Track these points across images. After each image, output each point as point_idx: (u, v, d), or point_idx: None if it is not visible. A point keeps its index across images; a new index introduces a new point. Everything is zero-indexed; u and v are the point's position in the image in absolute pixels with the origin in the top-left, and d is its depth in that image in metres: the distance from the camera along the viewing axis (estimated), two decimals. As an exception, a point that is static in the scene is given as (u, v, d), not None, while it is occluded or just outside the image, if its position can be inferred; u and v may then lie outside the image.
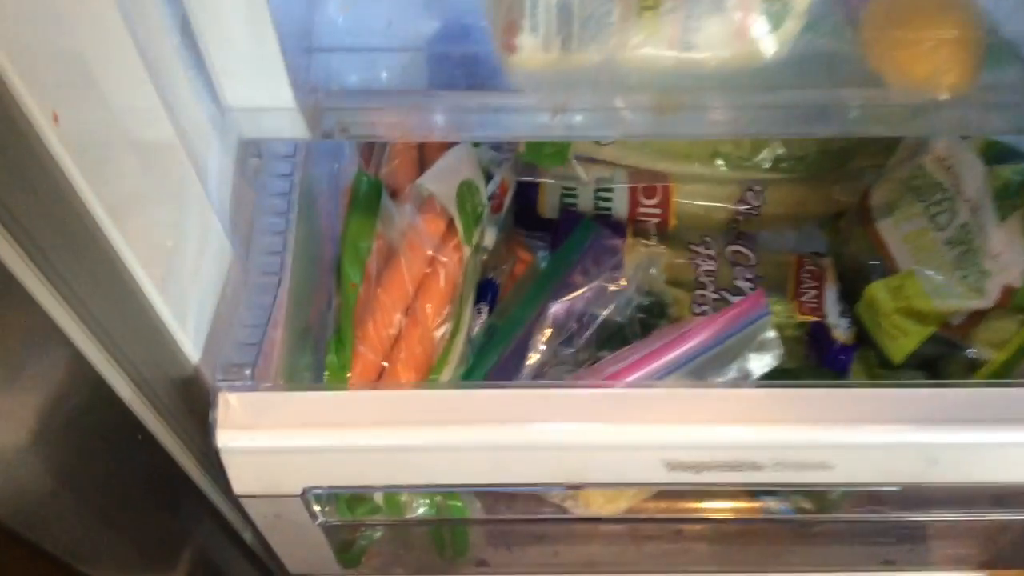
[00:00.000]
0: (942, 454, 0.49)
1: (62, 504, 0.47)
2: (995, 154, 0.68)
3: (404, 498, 0.58)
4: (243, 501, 0.52)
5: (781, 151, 0.72)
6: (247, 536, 0.73)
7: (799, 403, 0.49)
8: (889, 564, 0.70)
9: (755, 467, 0.49)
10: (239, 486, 0.50)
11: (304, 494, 0.51)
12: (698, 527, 0.68)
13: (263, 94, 0.50)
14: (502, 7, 0.53)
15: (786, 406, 0.49)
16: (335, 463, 0.50)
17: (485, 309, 0.70)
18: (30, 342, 0.42)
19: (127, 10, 0.42)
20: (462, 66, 0.58)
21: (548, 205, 0.78)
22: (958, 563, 0.71)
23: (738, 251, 0.75)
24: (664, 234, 0.76)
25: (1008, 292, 0.64)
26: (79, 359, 0.45)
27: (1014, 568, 0.74)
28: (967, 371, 0.68)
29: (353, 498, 0.59)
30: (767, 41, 0.53)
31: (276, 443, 0.48)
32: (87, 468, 0.48)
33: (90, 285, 0.43)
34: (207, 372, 0.50)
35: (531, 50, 0.53)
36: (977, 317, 0.66)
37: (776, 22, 0.53)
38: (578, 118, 0.55)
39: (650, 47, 0.52)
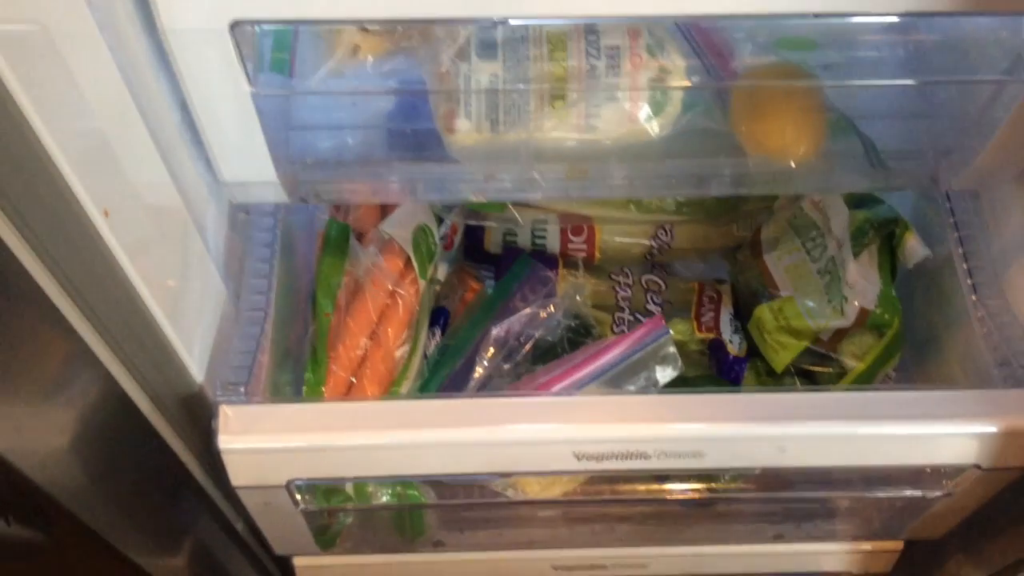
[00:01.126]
0: (788, 444, 0.63)
1: (96, 492, 0.59)
2: (856, 200, 0.82)
3: (370, 488, 0.72)
4: (239, 492, 0.66)
5: (682, 199, 0.86)
6: (240, 527, 0.86)
7: (676, 407, 0.63)
8: (779, 538, 0.84)
9: (644, 456, 0.63)
10: (236, 480, 0.64)
11: (288, 485, 0.65)
12: (617, 509, 0.82)
13: (251, 171, 0.63)
14: (443, 98, 0.67)
15: (666, 409, 0.63)
16: (313, 460, 0.63)
17: (438, 332, 0.84)
18: (71, 365, 0.55)
19: (143, 107, 0.55)
20: (414, 139, 0.72)
21: (493, 242, 0.91)
22: (838, 536, 0.85)
23: (651, 279, 0.89)
24: (590, 266, 0.90)
25: (864, 313, 0.78)
26: (109, 379, 0.58)
27: (888, 539, 0.87)
28: (836, 378, 0.82)
29: (329, 489, 0.72)
30: (652, 123, 0.66)
31: (265, 445, 0.62)
32: (114, 465, 0.61)
33: (118, 320, 0.56)
34: (209, 390, 0.64)
35: (466, 131, 0.66)
36: (841, 334, 0.80)
37: (658, 108, 0.67)
38: (506, 183, 0.69)
39: (559, 129, 0.66)
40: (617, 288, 0.88)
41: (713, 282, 0.90)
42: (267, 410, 0.62)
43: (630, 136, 0.67)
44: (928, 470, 0.68)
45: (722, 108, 0.68)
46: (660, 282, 0.88)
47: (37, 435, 0.53)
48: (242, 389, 0.63)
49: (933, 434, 0.63)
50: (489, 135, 0.66)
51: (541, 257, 0.89)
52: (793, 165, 0.68)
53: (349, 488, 0.71)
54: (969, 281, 0.71)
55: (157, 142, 0.57)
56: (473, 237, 0.91)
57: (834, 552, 0.86)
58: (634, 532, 0.84)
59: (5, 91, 0.43)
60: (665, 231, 0.89)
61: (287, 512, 0.69)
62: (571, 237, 0.90)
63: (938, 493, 0.71)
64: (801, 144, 0.68)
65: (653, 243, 0.90)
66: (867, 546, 0.85)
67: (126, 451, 0.63)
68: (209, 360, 0.65)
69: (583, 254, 0.90)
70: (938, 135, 0.68)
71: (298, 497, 0.67)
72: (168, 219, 0.62)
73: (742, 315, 0.87)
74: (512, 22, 0.58)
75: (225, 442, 0.61)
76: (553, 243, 0.90)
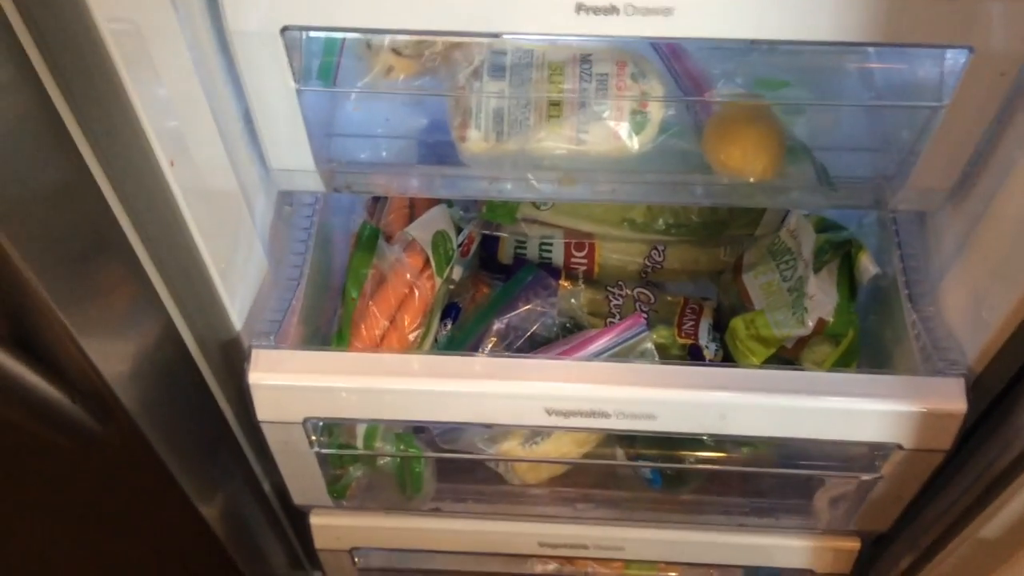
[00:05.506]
0: (728, 411, 0.73)
1: (149, 409, 0.71)
2: (823, 226, 0.93)
3: (376, 443, 0.83)
4: (263, 427, 0.77)
5: (671, 220, 0.97)
6: (266, 486, 0.98)
7: (634, 373, 0.74)
8: (742, 527, 0.93)
9: (604, 415, 0.74)
10: (261, 414, 0.76)
11: (304, 422, 0.76)
12: (595, 491, 0.92)
13: (294, 161, 0.76)
14: (458, 111, 0.80)
15: (625, 375, 0.74)
16: (326, 400, 0.75)
17: (449, 323, 0.96)
18: (140, 310, 0.68)
19: (214, 108, 0.69)
20: (436, 148, 0.85)
21: (506, 254, 1.04)
22: (797, 529, 0.94)
23: (642, 292, 1.00)
24: (590, 279, 1.02)
25: (821, 323, 0.88)
26: (169, 323, 0.71)
27: (842, 535, 0.95)
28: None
29: (341, 445, 0.84)
30: (633, 140, 0.78)
31: (286, 382, 0.74)
32: (166, 393, 0.73)
33: (181, 274, 0.69)
34: (245, 338, 0.76)
35: (475, 140, 0.79)
36: (803, 342, 0.90)
37: (639, 128, 0.78)
38: (507, 186, 0.81)
39: (554, 142, 0.78)
40: (611, 298, 0.99)
41: (698, 299, 1.00)
42: (291, 355, 0.74)
43: (614, 151, 0.79)
44: (859, 450, 0.77)
45: (695, 131, 0.81)
46: (650, 295, 1.00)
47: (109, 353, 0.66)
48: (272, 338, 0.76)
49: (856, 410, 0.72)
50: (494, 144, 0.79)
51: (547, 269, 1.01)
52: (753, 181, 0.79)
53: (359, 434, 0.82)
54: (907, 292, 0.81)
55: (219, 127, 0.71)
56: (489, 249, 1.04)
57: (796, 548, 0.94)
58: (608, 512, 0.93)
59: (114, 72, 0.57)
60: (658, 251, 1.01)
61: (303, 453, 0.80)
62: (574, 252, 1.02)
63: (871, 476, 0.79)
64: (759, 165, 0.79)
65: (647, 262, 1.01)
66: (825, 543, 0.94)
67: (176, 385, 0.75)
68: (247, 315, 0.77)
69: (584, 268, 1.02)
70: (878, 162, 0.79)
71: (313, 438, 0.79)
72: (226, 198, 0.75)
73: (722, 329, 0.97)
74: (506, 37, 0.71)
75: (254, 379, 0.74)
76: (558, 257, 1.02)
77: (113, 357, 0.65)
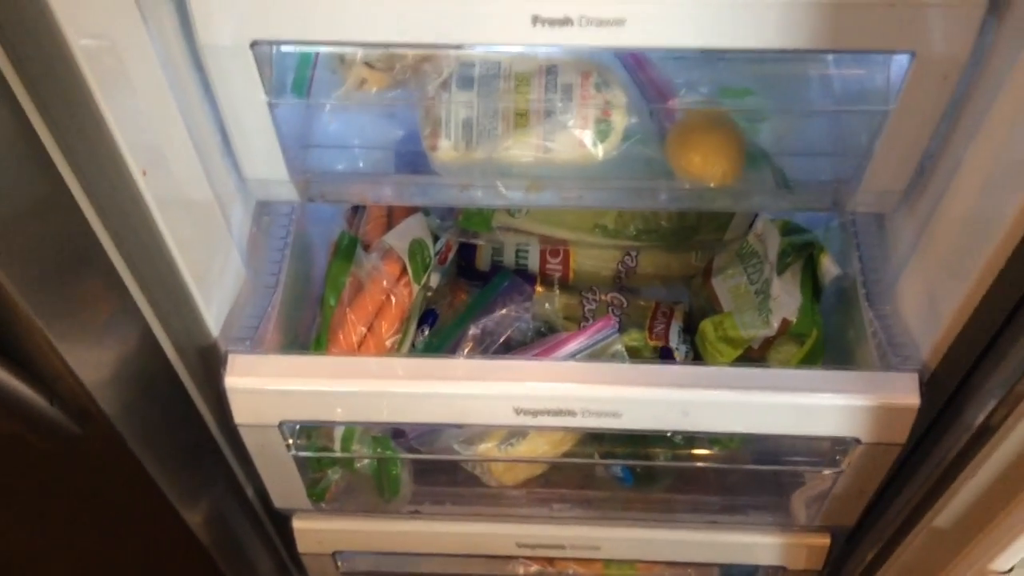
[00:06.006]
0: (690, 408, 0.75)
1: (128, 416, 0.73)
2: (788, 230, 0.95)
3: (354, 446, 0.86)
4: (241, 430, 0.80)
5: (642, 226, 1.00)
6: (249, 492, 1.00)
7: (599, 372, 0.77)
8: (713, 524, 0.95)
9: (571, 414, 0.76)
10: (238, 417, 0.78)
11: (280, 425, 0.79)
12: (570, 492, 0.94)
13: (268, 171, 0.79)
14: (429, 121, 0.83)
15: (590, 374, 0.76)
16: (301, 403, 0.77)
17: (427, 329, 0.98)
18: (118, 318, 0.70)
19: (188, 121, 0.72)
20: (409, 158, 0.87)
21: (483, 261, 1.06)
22: (767, 525, 0.96)
23: (615, 297, 1.02)
24: (565, 285, 1.04)
25: (785, 323, 0.90)
26: (147, 330, 0.74)
27: (812, 531, 0.97)
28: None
29: (318, 448, 0.86)
30: (598, 148, 0.81)
31: (261, 386, 0.76)
32: (144, 399, 0.76)
33: (158, 282, 0.72)
34: (222, 343, 0.78)
35: (446, 149, 0.81)
36: (768, 342, 0.92)
37: (603, 136, 0.81)
38: (478, 193, 0.84)
39: (521, 149, 0.81)
40: (585, 302, 1.02)
41: (670, 303, 1.03)
42: (266, 359, 0.77)
43: (579, 158, 0.81)
44: (818, 444, 0.80)
45: (658, 138, 0.83)
46: (623, 299, 1.02)
47: (87, 360, 0.68)
48: (248, 343, 0.78)
49: (814, 405, 0.75)
50: (464, 152, 0.82)
51: (523, 275, 1.03)
52: (714, 186, 0.82)
53: (336, 437, 0.84)
54: (864, 291, 0.83)
55: (193, 140, 0.74)
56: (467, 257, 1.06)
57: (768, 545, 0.96)
58: (587, 513, 0.95)
59: (87, 88, 0.59)
60: (631, 257, 1.03)
61: (281, 456, 0.83)
62: (549, 259, 1.04)
63: (833, 470, 0.82)
64: (719, 171, 0.81)
65: (620, 267, 1.04)
66: (797, 540, 0.96)
67: (155, 391, 0.77)
68: (224, 322, 0.80)
69: (559, 274, 1.04)
70: (836, 166, 0.81)
71: (290, 440, 0.81)
72: (202, 208, 0.78)
73: (692, 331, 1.00)
74: (468, 49, 0.74)
75: (230, 383, 0.76)
76: (533, 263, 1.05)
77: (91, 364, 0.67)
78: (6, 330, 0.62)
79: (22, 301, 0.58)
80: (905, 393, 0.74)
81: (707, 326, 0.95)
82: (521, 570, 1.08)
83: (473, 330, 0.95)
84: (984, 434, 0.68)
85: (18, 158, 0.56)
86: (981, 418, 0.69)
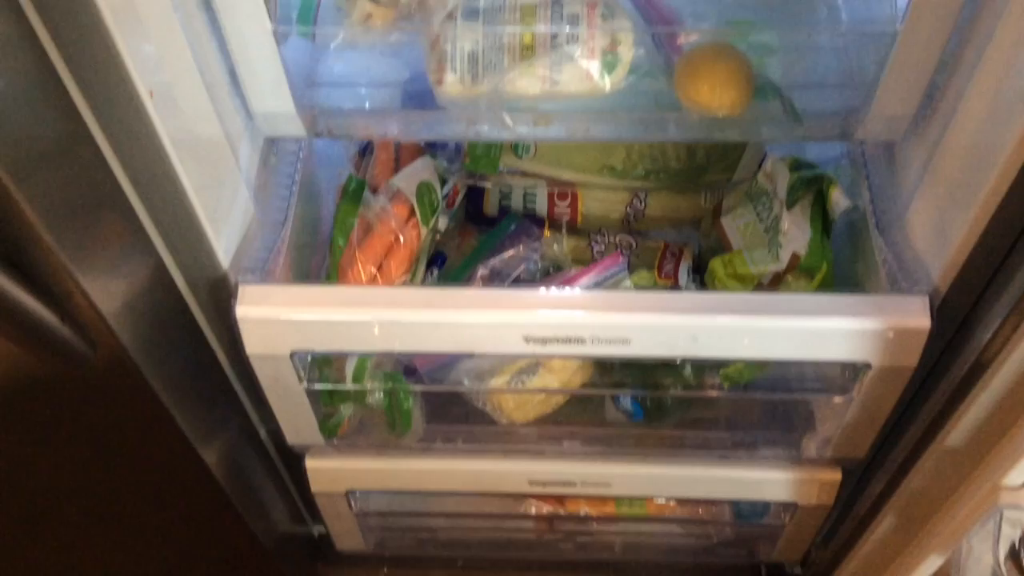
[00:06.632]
0: (699, 333, 0.76)
1: (147, 351, 0.74)
2: (797, 166, 0.95)
3: (366, 380, 0.86)
4: (252, 361, 0.80)
5: (650, 166, 1.00)
6: (263, 433, 1.00)
7: (609, 300, 0.77)
8: (724, 459, 0.96)
9: (581, 341, 0.76)
10: (249, 347, 0.78)
11: (292, 356, 0.79)
12: (581, 428, 0.95)
13: (275, 104, 0.79)
14: (434, 55, 0.83)
15: (600, 301, 0.77)
16: (311, 333, 0.78)
17: (436, 271, 0.99)
18: (132, 250, 0.71)
19: (198, 59, 0.72)
20: (415, 96, 0.87)
21: (491, 206, 1.06)
22: (778, 460, 0.96)
23: (624, 238, 1.02)
24: (573, 228, 1.04)
25: (795, 258, 0.90)
26: (159, 262, 0.74)
27: (826, 467, 0.97)
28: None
29: (326, 362, 0.86)
30: (605, 80, 0.81)
31: (271, 316, 0.76)
32: (159, 334, 0.76)
33: (170, 216, 0.72)
34: (231, 275, 0.79)
35: (452, 83, 0.81)
36: (778, 278, 0.92)
37: (610, 68, 0.81)
38: (484, 127, 0.84)
39: (527, 81, 0.81)
40: (594, 244, 1.02)
41: (679, 244, 1.03)
42: (276, 289, 0.77)
43: (586, 91, 0.81)
44: (829, 371, 0.80)
45: (666, 70, 0.83)
46: (632, 241, 1.02)
47: (102, 287, 0.68)
48: (258, 274, 0.78)
49: (824, 328, 0.75)
50: (470, 86, 0.82)
51: (531, 219, 1.03)
52: (723, 116, 0.82)
53: (348, 371, 0.85)
54: (875, 220, 0.83)
55: (204, 80, 0.74)
56: (475, 202, 1.06)
57: (779, 480, 0.97)
58: (598, 449, 0.96)
59: (104, 25, 0.60)
60: (640, 199, 1.03)
61: (293, 389, 0.83)
62: (557, 202, 1.04)
63: (844, 398, 0.82)
64: (727, 100, 0.81)
65: (629, 210, 1.04)
66: (807, 475, 0.96)
67: (166, 321, 0.77)
68: (234, 253, 0.80)
69: (567, 217, 1.04)
70: (845, 97, 0.81)
71: (301, 372, 0.82)
72: (212, 145, 0.78)
73: (702, 272, 1.00)
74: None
75: (241, 312, 0.76)
76: (542, 207, 1.04)
77: (105, 291, 0.67)
78: (22, 254, 0.62)
79: (44, 231, 0.59)
80: (916, 315, 0.74)
81: (716, 264, 0.95)
82: (533, 510, 1.08)
83: (482, 271, 0.95)
84: (993, 350, 0.68)
85: (41, 97, 0.58)
86: (990, 335, 0.69)
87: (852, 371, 0.80)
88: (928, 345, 0.76)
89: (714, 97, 0.81)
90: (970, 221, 0.70)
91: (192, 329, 0.80)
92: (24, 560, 1.07)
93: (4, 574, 1.04)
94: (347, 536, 1.14)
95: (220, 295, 0.79)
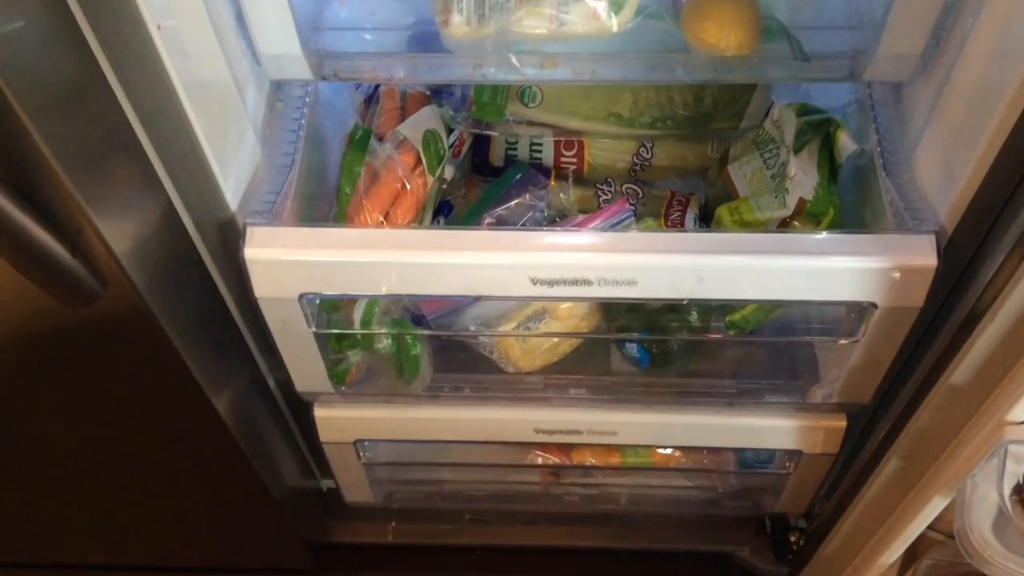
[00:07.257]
0: (706, 273, 0.76)
1: (157, 291, 0.74)
2: (804, 112, 0.95)
3: (373, 324, 0.86)
4: (260, 304, 0.80)
5: (657, 114, 0.99)
6: (271, 382, 1.01)
7: (615, 241, 0.77)
8: (729, 406, 0.96)
9: (588, 283, 0.76)
10: (258, 290, 0.79)
11: (300, 298, 0.80)
12: (586, 376, 0.95)
13: (282, 45, 0.79)
14: (440, -2, 0.82)
15: (607, 243, 0.77)
16: (319, 275, 0.78)
17: (442, 219, 0.99)
18: (143, 190, 0.71)
19: (208, 7, 0.72)
20: (422, 40, 0.87)
21: (497, 155, 1.06)
22: (784, 408, 0.96)
23: (630, 187, 1.02)
24: (580, 178, 1.04)
25: (801, 203, 0.90)
26: (169, 204, 0.74)
27: (831, 415, 0.98)
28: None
29: (335, 307, 0.87)
30: (612, 20, 0.80)
31: (281, 257, 0.77)
32: (168, 275, 0.77)
33: (179, 157, 0.72)
34: (239, 218, 0.79)
35: (458, 24, 0.81)
36: (785, 223, 0.92)
37: (616, 8, 0.81)
38: (491, 70, 0.84)
39: (534, 21, 0.81)
40: (600, 193, 1.02)
41: (686, 193, 1.03)
42: (285, 231, 0.77)
43: (593, 31, 0.81)
44: (835, 313, 0.80)
45: (673, 11, 0.83)
46: (638, 190, 1.02)
47: (114, 226, 0.69)
48: (265, 216, 0.79)
49: (829, 268, 0.75)
50: (476, 27, 0.81)
51: (538, 169, 1.03)
52: (730, 55, 0.81)
53: (356, 317, 0.85)
54: (882, 162, 0.83)
55: (213, 24, 0.74)
56: (481, 151, 1.06)
57: (784, 428, 0.97)
58: (603, 396, 0.96)
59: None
60: (646, 149, 1.03)
61: (302, 334, 0.84)
62: (563, 151, 1.04)
63: (850, 340, 0.82)
64: (734, 39, 0.81)
65: (636, 159, 1.03)
66: (812, 422, 0.96)
67: (176, 263, 0.78)
68: (242, 195, 0.80)
69: (574, 167, 1.04)
70: (853, 38, 0.81)
71: (310, 315, 0.82)
72: (219, 87, 0.78)
73: (708, 220, 1.00)
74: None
75: (249, 254, 0.77)
76: (548, 157, 1.04)
77: (117, 231, 0.68)
78: (35, 189, 0.62)
79: (59, 169, 0.60)
80: (922, 254, 0.74)
81: (723, 211, 0.95)
82: (540, 461, 1.09)
83: (488, 219, 0.95)
84: (997, 287, 0.68)
85: (58, 40, 0.59)
86: (994, 271, 0.69)
87: (858, 312, 0.80)
88: (934, 285, 0.76)
89: (721, 36, 0.81)
90: (976, 160, 0.70)
91: (201, 273, 0.81)
92: (34, 506, 1.08)
93: (12, 520, 1.06)
94: (355, 488, 1.15)
95: (228, 237, 0.79)
